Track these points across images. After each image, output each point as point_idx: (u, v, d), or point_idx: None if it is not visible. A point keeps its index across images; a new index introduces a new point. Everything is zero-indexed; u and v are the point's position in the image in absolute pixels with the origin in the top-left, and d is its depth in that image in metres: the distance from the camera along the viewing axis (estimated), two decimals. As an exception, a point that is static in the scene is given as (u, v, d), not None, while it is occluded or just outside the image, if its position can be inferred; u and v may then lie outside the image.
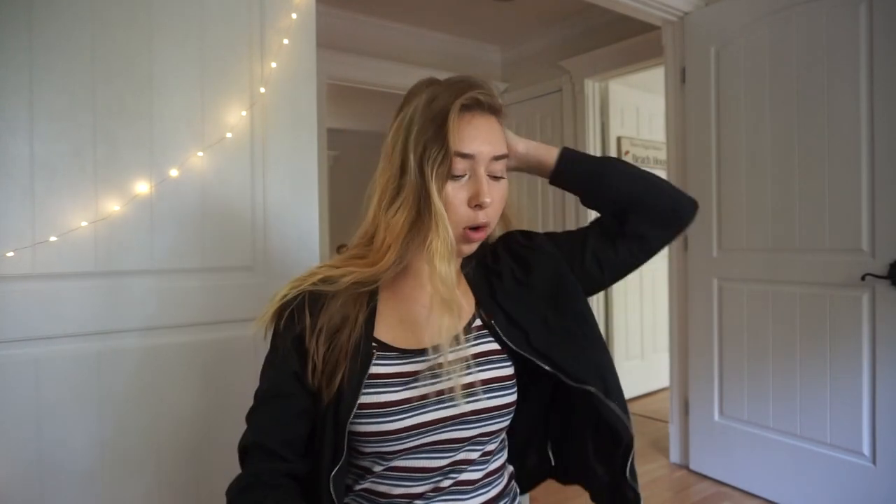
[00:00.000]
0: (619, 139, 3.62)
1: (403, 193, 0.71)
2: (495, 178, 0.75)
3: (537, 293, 0.79)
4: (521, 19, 3.46)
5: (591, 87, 3.52)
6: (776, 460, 2.18)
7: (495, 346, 0.77)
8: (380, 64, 3.30)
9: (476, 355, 0.75)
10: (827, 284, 2.02)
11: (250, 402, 0.79)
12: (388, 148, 0.74)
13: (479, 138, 0.72)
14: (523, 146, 0.84)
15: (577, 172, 0.85)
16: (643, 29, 2.94)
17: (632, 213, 0.82)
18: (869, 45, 1.89)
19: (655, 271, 3.68)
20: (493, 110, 0.76)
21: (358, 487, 0.74)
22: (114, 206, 1.18)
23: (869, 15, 1.89)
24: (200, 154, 1.29)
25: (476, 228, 0.74)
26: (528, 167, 0.86)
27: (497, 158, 0.74)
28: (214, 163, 1.31)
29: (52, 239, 1.11)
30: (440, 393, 0.71)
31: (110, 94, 1.19)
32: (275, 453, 0.71)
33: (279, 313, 0.75)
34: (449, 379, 0.71)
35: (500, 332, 0.76)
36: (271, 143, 1.40)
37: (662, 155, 3.58)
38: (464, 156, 0.71)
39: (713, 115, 2.37)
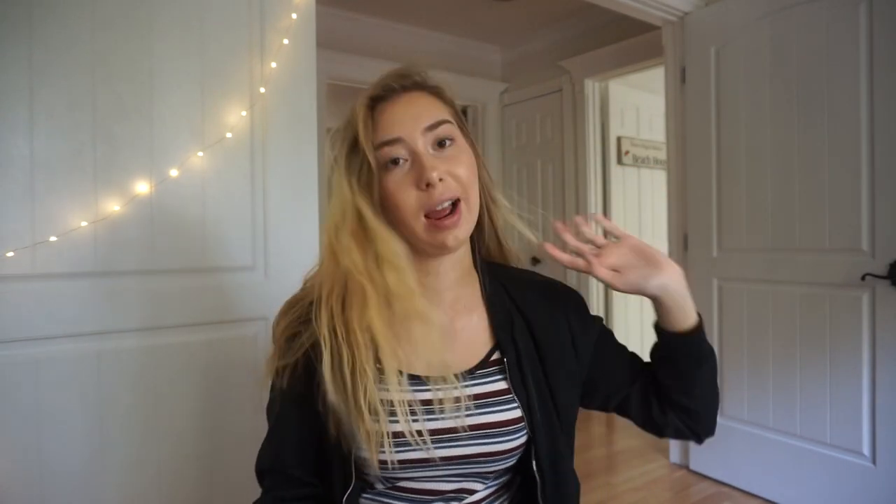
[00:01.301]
0: (619, 139, 3.61)
1: (343, 217, 0.67)
2: (441, 145, 0.67)
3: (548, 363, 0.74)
4: (521, 19, 3.46)
5: (591, 87, 3.52)
6: (776, 460, 2.18)
7: (504, 385, 0.71)
8: (380, 64, 3.27)
9: (481, 395, 0.69)
10: (827, 284, 2.02)
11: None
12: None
13: (397, 119, 0.66)
14: (676, 283, 0.73)
15: (692, 344, 0.75)
16: (643, 29, 2.94)
17: (673, 412, 0.76)
18: (869, 45, 1.89)
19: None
20: (416, 86, 0.70)
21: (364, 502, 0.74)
22: (114, 206, 1.18)
23: (869, 15, 1.89)
24: (200, 154, 1.29)
25: (439, 214, 0.65)
26: (660, 301, 0.74)
27: (431, 128, 0.66)
28: (214, 163, 1.31)
29: (52, 239, 1.11)
30: (440, 432, 0.67)
31: (110, 94, 1.19)
32: (293, 478, 0.71)
33: (284, 335, 0.72)
34: (447, 419, 0.67)
35: (508, 371, 0.71)
36: (271, 143, 1.40)
37: (662, 155, 3.58)
38: (389, 143, 0.65)
39: (713, 115, 2.37)
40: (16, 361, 1.09)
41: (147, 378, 1.23)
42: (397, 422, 0.66)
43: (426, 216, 0.66)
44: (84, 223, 1.15)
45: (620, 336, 0.84)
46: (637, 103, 3.74)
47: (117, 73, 1.19)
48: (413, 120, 0.66)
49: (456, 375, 0.69)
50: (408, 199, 0.65)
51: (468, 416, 0.68)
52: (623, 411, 0.80)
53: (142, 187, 1.21)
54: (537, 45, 3.77)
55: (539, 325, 0.74)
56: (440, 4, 3.21)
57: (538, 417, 0.70)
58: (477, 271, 0.78)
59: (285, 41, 1.41)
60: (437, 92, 0.71)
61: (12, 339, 1.08)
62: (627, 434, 2.95)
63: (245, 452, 1.35)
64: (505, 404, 0.70)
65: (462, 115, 0.74)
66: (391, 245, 0.66)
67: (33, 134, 1.10)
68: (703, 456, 2.45)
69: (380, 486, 0.72)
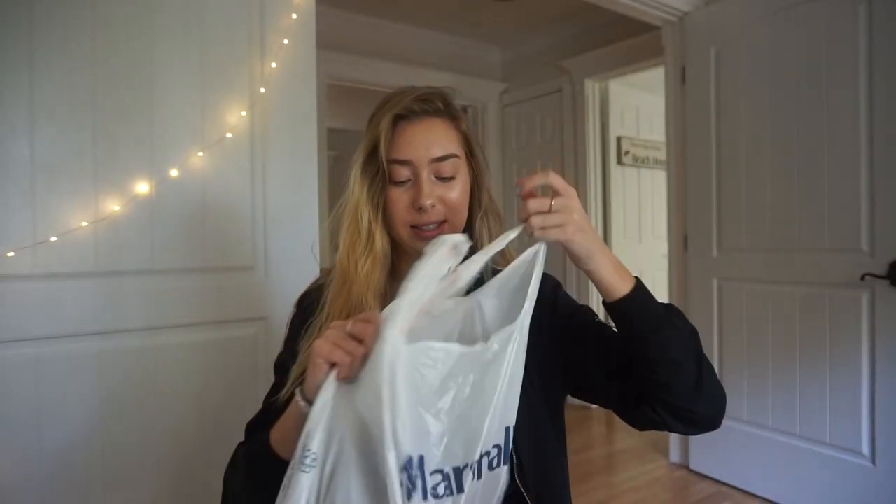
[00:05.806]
0: (619, 139, 3.61)
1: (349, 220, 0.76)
2: (444, 178, 0.74)
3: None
4: (521, 19, 3.45)
5: (591, 87, 3.52)
6: (776, 460, 2.18)
7: None
8: (380, 64, 3.29)
9: None
10: (826, 284, 2.02)
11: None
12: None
13: (414, 143, 0.73)
14: (598, 262, 0.65)
15: (642, 308, 0.66)
16: (643, 29, 2.94)
17: (653, 403, 0.67)
18: (868, 45, 1.89)
19: (655, 271, 3.68)
20: (436, 112, 0.75)
21: None
22: (114, 207, 1.18)
23: (868, 15, 1.89)
24: (200, 154, 1.29)
25: (423, 228, 0.74)
26: (591, 275, 0.67)
27: (439, 160, 0.73)
28: (214, 163, 1.31)
29: (53, 239, 1.12)
30: None
31: (111, 95, 1.19)
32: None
33: (301, 299, 0.84)
34: None
35: None
36: (271, 143, 1.40)
37: (662, 155, 3.58)
38: (400, 162, 0.73)
39: (713, 115, 2.36)
40: (16, 361, 1.09)
41: (147, 378, 1.23)
42: None
43: (412, 226, 0.75)
44: (84, 223, 1.15)
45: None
46: (637, 103, 3.74)
47: (118, 73, 1.20)
48: (425, 148, 0.74)
49: None
50: (401, 212, 0.75)
51: None
52: (605, 401, 0.75)
53: (142, 187, 1.21)
54: (537, 45, 3.77)
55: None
56: (440, 4, 3.21)
57: None
58: None
59: (285, 41, 1.41)
60: (454, 120, 0.78)
61: (13, 339, 1.08)
62: (627, 434, 2.95)
63: (245, 452, 1.35)
64: None
65: (472, 140, 0.80)
66: (381, 244, 0.76)
67: (34, 134, 1.11)
68: (703, 456, 2.45)
69: None
